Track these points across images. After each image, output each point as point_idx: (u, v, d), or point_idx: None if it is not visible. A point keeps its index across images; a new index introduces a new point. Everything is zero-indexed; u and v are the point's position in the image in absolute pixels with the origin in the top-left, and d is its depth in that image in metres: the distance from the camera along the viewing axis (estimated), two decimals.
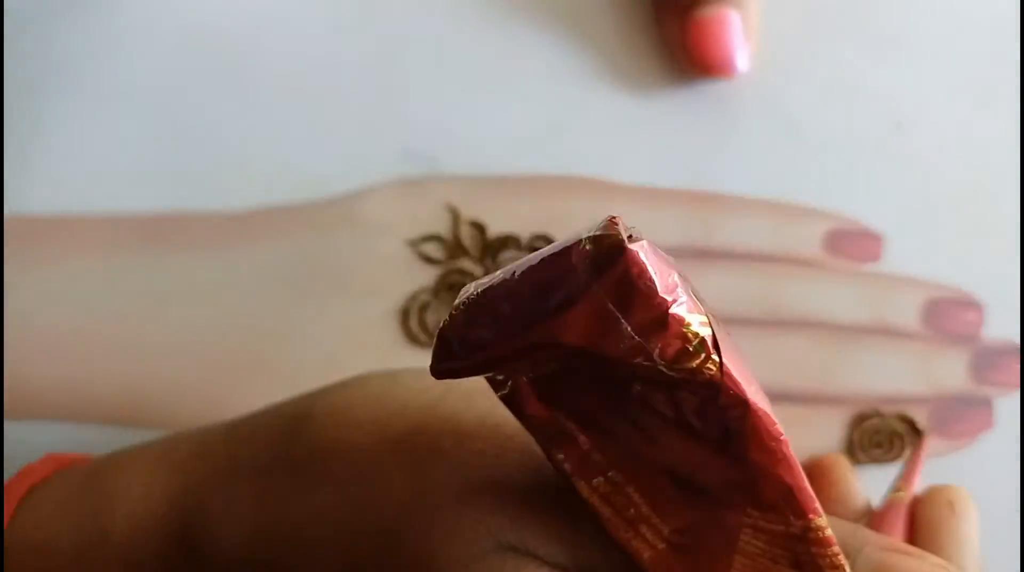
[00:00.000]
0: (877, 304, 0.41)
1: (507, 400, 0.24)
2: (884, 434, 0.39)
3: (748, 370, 0.22)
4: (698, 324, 0.21)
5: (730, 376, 0.22)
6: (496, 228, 0.42)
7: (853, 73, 0.44)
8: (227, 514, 0.29)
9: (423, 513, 0.25)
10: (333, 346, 0.40)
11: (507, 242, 0.41)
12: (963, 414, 0.40)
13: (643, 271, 0.20)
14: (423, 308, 0.40)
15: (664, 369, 0.21)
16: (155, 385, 0.40)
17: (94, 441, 0.37)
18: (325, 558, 0.27)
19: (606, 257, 0.20)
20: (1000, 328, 0.40)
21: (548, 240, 0.41)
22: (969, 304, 0.41)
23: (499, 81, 0.44)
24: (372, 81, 0.44)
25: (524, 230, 0.41)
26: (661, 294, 0.20)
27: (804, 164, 0.43)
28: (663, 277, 0.21)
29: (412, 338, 0.40)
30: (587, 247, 0.20)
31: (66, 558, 0.30)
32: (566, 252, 0.21)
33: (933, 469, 0.39)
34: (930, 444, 0.38)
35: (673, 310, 0.21)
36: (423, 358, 0.39)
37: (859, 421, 0.39)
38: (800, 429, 0.39)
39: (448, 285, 0.40)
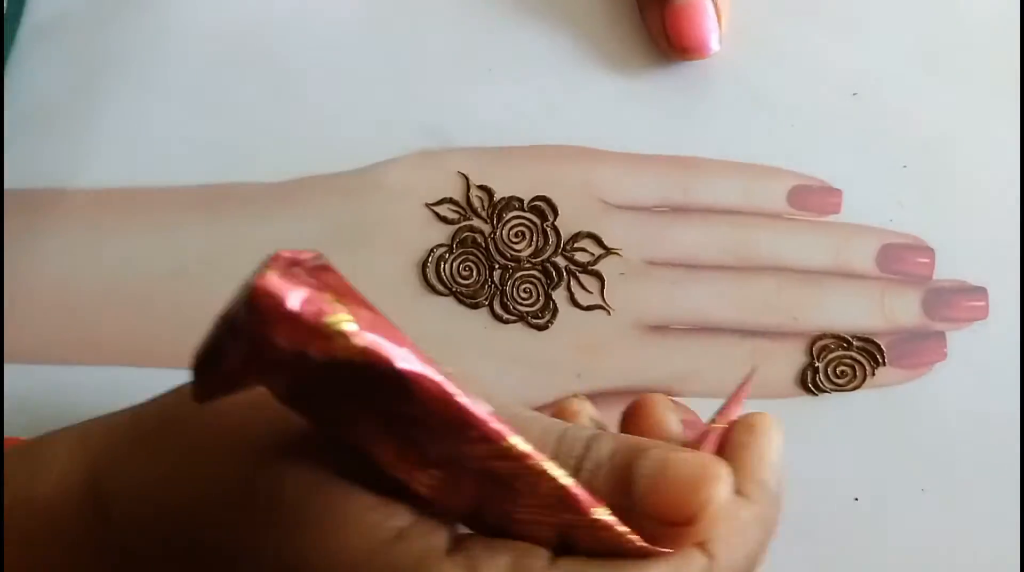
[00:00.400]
0: (837, 250, 0.42)
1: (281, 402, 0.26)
2: (846, 364, 0.40)
3: (403, 339, 0.24)
4: (336, 320, 0.23)
5: (372, 350, 0.23)
6: (501, 192, 0.43)
7: (813, 49, 0.45)
8: (126, 479, 0.29)
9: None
10: (363, 293, 0.41)
11: (511, 203, 0.43)
12: (918, 347, 0.41)
13: (272, 296, 0.22)
14: (440, 260, 0.42)
15: (328, 361, 0.23)
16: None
17: (164, 384, 0.39)
18: (204, 518, 0.28)
19: (247, 295, 0.22)
20: (951, 270, 0.41)
21: (547, 200, 0.43)
22: (921, 248, 0.42)
23: (503, 66, 0.45)
24: (394, 67, 0.46)
25: (526, 193, 0.43)
26: (294, 309, 0.22)
27: (771, 130, 0.44)
28: (296, 296, 0.22)
29: (430, 286, 0.42)
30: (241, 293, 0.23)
31: None
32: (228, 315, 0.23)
33: (893, 397, 0.40)
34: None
35: (304, 316, 0.22)
36: (440, 303, 0.42)
37: (822, 352, 0.40)
38: (770, 361, 0.40)
39: (460, 241, 0.42)
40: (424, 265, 0.42)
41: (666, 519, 0.25)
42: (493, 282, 0.42)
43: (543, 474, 0.25)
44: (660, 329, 0.41)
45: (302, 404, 0.25)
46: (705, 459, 0.26)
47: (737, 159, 0.43)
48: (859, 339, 0.40)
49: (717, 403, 0.39)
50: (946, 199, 0.42)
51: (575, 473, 0.26)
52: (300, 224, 0.43)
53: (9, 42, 0.47)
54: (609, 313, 0.42)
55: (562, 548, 0.26)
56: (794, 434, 0.35)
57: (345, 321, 0.23)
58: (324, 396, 0.25)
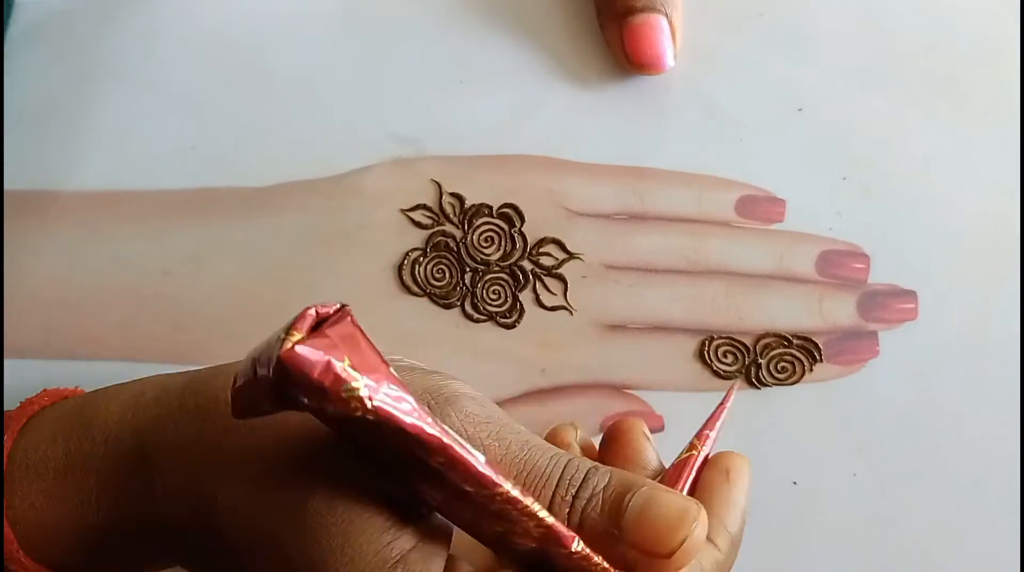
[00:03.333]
0: (780, 256, 0.43)
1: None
2: (787, 361, 0.42)
3: (414, 407, 0.27)
4: (353, 388, 0.26)
5: (385, 415, 0.26)
6: (472, 199, 0.44)
7: (762, 67, 0.46)
8: (172, 447, 0.32)
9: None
10: (342, 295, 0.42)
11: (481, 210, 0.44)
12: (853, 345, 0.42)
13: (297, 363, 0.25)
14: (414, 263, 0.43)
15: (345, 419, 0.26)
16: (196, 329, 0.43)
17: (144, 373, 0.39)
18: (233, 492, 0.30)
19: (275, 360, 0.25)
20: (884, 275, 0.43)
21: (514, 207, 0.44)
22: (857, 255, 0.43)
23: (473, 79, 0.46)
24: (370, 78, 0.47)
25: (495, 200, 0.44)
26: (314, 376, 0.25)
27: (721, 142, 0.45)
28: (318, 362, 0.25)
29: (405, 288, 0.43)
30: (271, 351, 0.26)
31: (55, 473, 0.33)
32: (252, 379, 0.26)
33: (830, 391, 0.42)
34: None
35: (327, 384, 0.25)
36: (415, 303, 0.44)
37: (765, 350, 0.42)
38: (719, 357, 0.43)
39: (434, 245, 0.44)
40: (400, 267, 0.43)
41: (648, 550, 0.29)
42: (464, 284, 0.44)
43: (532, 515, 0.28)
44: (618, 328, 0.43)
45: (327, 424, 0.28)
46: (686, 502, 0.30)
47: (690, 170, 0.45)
48: (799, 338, 0.42)
49: (670, 396, 0.42)
50: (881, 210, 0.44)
51: (573, 499, 0.29)
52: (282, 228, 0.44)
53: None
54: (572, 313, 0.43)
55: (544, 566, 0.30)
56: (739, 424, 0.39)
57: (361, 387, 0.26)
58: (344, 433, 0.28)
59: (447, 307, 0.43)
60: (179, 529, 0.31)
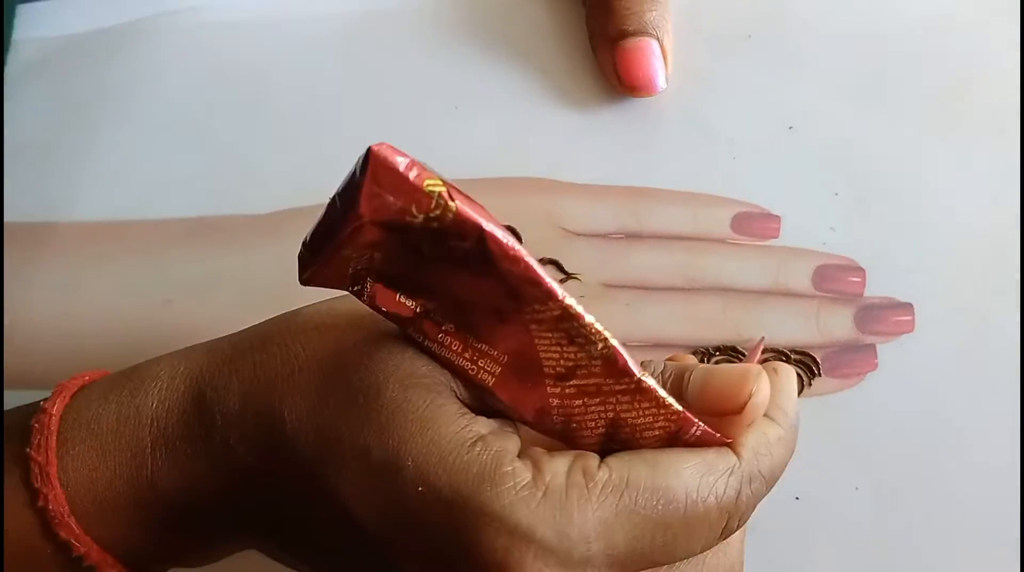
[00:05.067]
0: (776, 271, 0.44)
1: (369, 303, 0.30)
2: None
3: (486, 213, 0.28)
4: (434, 186, 0.27)
5: (463, 213, 0.27)
6: None
7: (752, 87, 0.47)
8: (230, 382, 0.32)
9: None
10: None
11: None
12: (851, 359, 0.42)
13: (385, 159, 0.26)
14: None
15: (426, 221, 0.27)
16: None
17: None
18: (299, 403, 0.31)
19: (363, 160, 0.27)
20: (880, 288, 0.43)
21: (512, 230, 0.44)
22: (853, 268, 0.44)
23: (468, 103, 0.47)
24: (366, 104, 0.47)
25: None
26: (402, 171, 0.27)
27: (714, 161, 0.46)
28: (403, 162, 0.27)
29: None
30: (356, 165, 0.27)
31: (110, 429, 0.33)
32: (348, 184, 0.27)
33: (829, 405, 0.42)
34: (820, 383, 0.40)
35: (412, 178, 0.27)
36: None
37: (764, 363, 0.42)
38: None
39: None
40: None
41: (718, 409, 0.30)
42: None
43: (596, 333, 0.29)
44: None
45: (388, 297, 0.29)
46: (745, 366, 0.31)
47: (685, 188, 0.45)
48: (797, 352, 0.42)
49: None
50: (875, 223, 0.44)
51: None
52: (280, 255, 0.43)
53: None
54: None
55: (604, 453, 0.31)
56: None
57: (442, 188, 0.27)
58: (409, 271, 0.29)
59: None
60: (242, 469, 0.31)
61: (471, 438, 0.29)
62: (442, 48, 0.48)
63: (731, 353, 0.42)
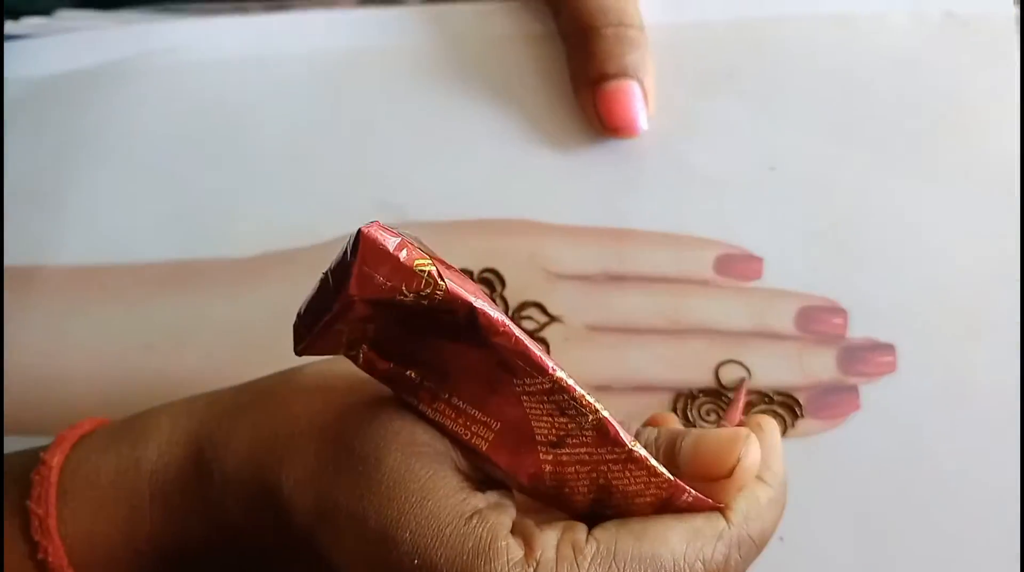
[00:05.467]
0: (759, 313, 0.44)
1: (364, 367, 0.30)
2: (769, 415, 0.41)
3: (474, 287, 0.29)
4: (424, 265, 0.28)
5: (453, 291, 0.28)
6: (454, 264, 0.43)
7: (733, 127, 0.47)
8: (229, 439, 0.33)
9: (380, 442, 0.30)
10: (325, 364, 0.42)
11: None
12: (834, 400, 0.42)
13: (374, 241, 0.27)
14: None
15: (416, 298, 0.28)
16: None
17: None
18: (298, 467, 0.31)
19: (354, 241, 0.27)
20: (862, 329, 0.43)
21: (495, 272, 0.44)
22: (835, 310, 0.44)
23: (452, 145, 0.47)
24: (352, 146, 0.47)
25: (476, 264, 0.45)
26: (392, 252, 0.27)
27: (697, 202, 0.45)
28: (393, 242, 0.27)
29: None
30: (347, 245, 0.28)
31: (109, 482, 0.33)
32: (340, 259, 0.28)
33: (813, 446, 0.42)
34: (802, 424, 0.41)
35: (402, 259, 0.27)
36: None
37: (747, 407, 0.42)
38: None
39: None
40: None
41: (708, 475, 0.31)
42: None
43: (588, 405, 0.30)
44: (603, 388, 0.43)
45: (383, 363, 0.30)
46: (734, 429, 0.32)
47: (667, 230, 0.45)
48: (780, 394, 0.43)
49: None
50: (857, 265, 0.44)
51: None
52: (263, 299, 0.44)
53: None
54: None
55: (595, 517, 0.32)
56: None
57: (432, 267, 0.28)
58: (402, 343, 0.29)
59: None
60: (237, 526, 0.31)
61: (469, 512, 0.30)
62: (424, 89, 0.48)
63: (715, 396, 0.43)
